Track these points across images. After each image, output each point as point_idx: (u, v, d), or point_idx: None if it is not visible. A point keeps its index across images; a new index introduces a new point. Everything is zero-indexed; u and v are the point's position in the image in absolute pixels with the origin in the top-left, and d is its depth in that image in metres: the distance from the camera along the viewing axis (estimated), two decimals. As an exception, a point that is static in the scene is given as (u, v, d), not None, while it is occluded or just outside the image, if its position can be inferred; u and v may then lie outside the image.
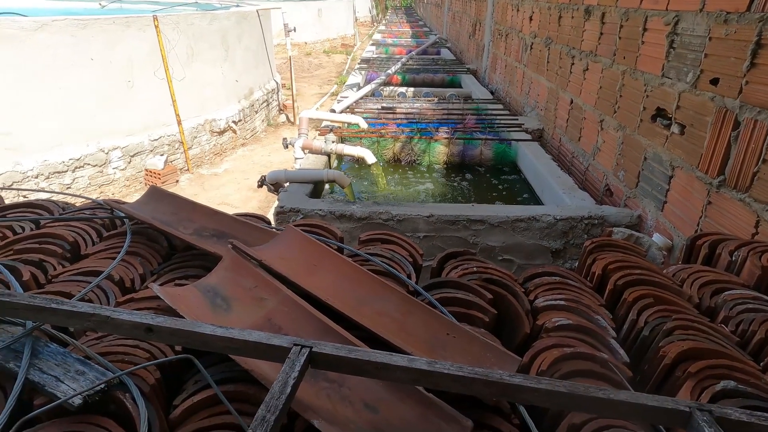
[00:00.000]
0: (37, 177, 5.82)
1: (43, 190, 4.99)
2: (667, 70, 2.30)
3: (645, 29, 2.51)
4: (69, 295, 1.06)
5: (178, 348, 0.95)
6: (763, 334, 1.07)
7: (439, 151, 4.02)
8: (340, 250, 1.39)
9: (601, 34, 3.06)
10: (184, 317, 0.97)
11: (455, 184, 3.87)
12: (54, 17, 5.73)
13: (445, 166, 4.08)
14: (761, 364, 1.03)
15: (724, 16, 1.86)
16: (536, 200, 3.46)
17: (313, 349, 0.78)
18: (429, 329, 1.03)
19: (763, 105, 1.66)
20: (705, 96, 1.99)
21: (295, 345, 0.78)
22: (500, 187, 3.82)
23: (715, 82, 1.93)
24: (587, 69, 3.28)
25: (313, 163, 3.69)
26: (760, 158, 1.68)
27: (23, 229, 1.40)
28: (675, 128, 2.22)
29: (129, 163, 6.77)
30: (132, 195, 6.72)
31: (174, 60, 7.03)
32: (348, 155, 3.84)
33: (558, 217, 2.53)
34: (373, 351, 0.78)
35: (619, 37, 2.80)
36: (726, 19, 1.84)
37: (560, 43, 3.84)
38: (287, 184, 3.06)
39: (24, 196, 5.43)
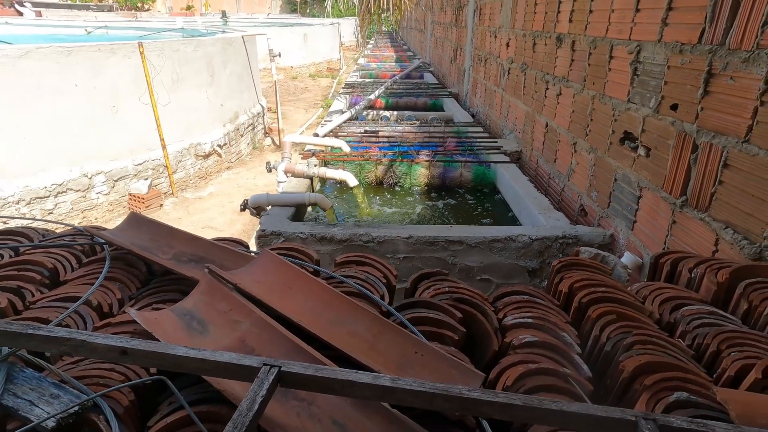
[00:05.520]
0: (18, 203, 5.77)
1: (23, 217, 4.95)
2: (632, 96, 2.41)
3: (611, 57, 2.64)
4: (46, 321, 1.08)
5: (153, 371, 0.98)
6: (715, 348, 1.13)
7: (420, 173, 4.10)
8: (316, 272, 1.43)
9: (572, 60, 3.19)
10: (159, 340, 1.00)
11: (436, 205, 3.95)
12: (38, 45, 5.77)
13: (426, 188, 4.15)
14: (713, 375, 1.09)
15: (679, 46, 1.97)
16: (515, 221, 3.54)
17: (282, 369, 0.81)
18: (398, 348, 1.07)
19: (717, 130, 1.76)
20: (666, 120, 2.10)
21: (265, 365, 0.82)
22: (480, 208, 3.90)
23: (674, 107, 2.04)
24: (560, 93, 3.40)
25: (295, 186, 3.74)
26: (716, 179, 1.77)
27: (2, 256, 1.41)
28: (641, 151, 2.32)
29: (113, 187, 6.75)
30: (115, 220, 6.68)
31: (159, 85, 7.10)
32: (330, 178, 3.90)
33: (533, 237, 2.60)
34: (340, 369, 0.82)
35: (589, 64, 2.93)
36: (681, 50, 1.96)
37: (535, 68, 3.98)
38: (269, 207, 3.10)
39: (4, 223, 5.38)
